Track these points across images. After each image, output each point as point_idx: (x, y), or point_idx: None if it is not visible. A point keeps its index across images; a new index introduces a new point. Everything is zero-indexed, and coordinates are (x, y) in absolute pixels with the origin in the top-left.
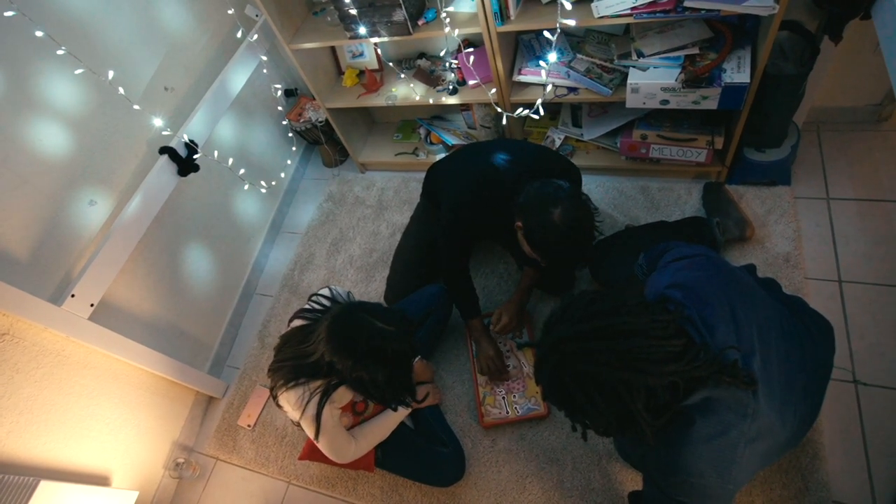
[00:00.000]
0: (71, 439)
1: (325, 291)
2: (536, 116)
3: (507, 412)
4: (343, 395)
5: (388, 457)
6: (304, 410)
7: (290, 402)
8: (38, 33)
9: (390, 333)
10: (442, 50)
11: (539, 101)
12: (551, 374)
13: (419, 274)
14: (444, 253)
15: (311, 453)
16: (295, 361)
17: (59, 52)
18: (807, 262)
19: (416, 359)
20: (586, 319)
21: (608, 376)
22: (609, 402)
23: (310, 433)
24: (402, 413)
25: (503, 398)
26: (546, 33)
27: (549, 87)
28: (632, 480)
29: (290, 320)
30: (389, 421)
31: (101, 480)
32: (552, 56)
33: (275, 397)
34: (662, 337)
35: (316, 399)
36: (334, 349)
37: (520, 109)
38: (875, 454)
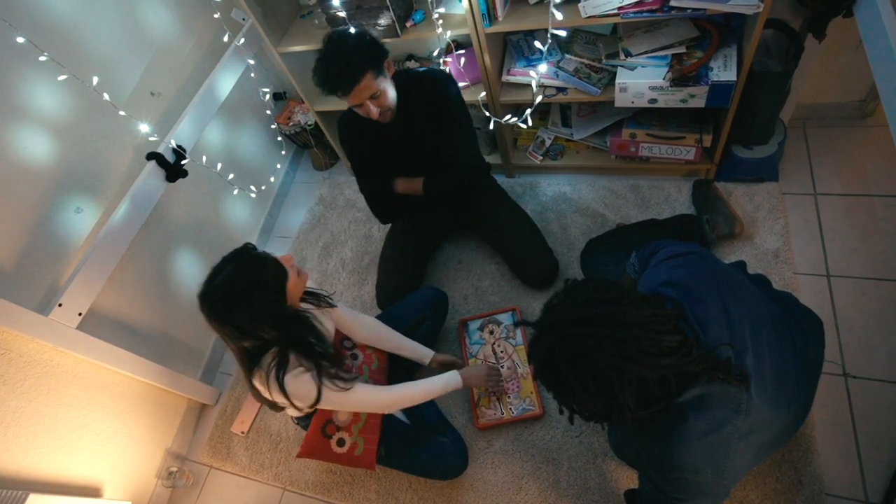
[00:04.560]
0: (61, 451)
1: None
2: (524, 126)
3: (502, 413)
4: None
5: (391, 453)
6: (272, 392)
7: (263, 390)
8: (19, 39)
9: (227, 275)
10: (431, 51)
11: (528, 112)
12: (546, 353)
13: (409, 275)
14: (357, 177)
15: (310, 451)
16: (238, 355)
17: (42, 58)
18: (796, 258)
19: (288, 279)
20: (590, 305)
21: (604, 363)
22: (600, 389)
23: (305, 407)
24: (446, 378)
25: (498, 399)
26: (537, 43)
27: (539, 96)
28: (628, 479)
29: None
30: (430, 385)
31: (92, 492)
32: (542, 67)
33: (251, 389)
34: (661, 331)
35: (273, 376)
36: (222, 326)
37: (507, 116)
38: (866, 446)
